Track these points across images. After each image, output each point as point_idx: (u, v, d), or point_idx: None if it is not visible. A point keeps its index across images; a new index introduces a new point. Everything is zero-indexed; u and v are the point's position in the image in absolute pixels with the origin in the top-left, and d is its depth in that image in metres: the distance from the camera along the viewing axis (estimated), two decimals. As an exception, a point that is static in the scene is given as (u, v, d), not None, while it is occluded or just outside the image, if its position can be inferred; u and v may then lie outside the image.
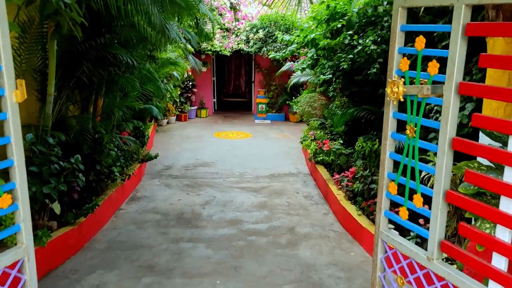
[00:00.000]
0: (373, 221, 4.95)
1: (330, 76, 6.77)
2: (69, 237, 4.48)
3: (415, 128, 2.32)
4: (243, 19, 14.10)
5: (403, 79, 2.37)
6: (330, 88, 7.11)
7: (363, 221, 5.09)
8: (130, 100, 6.34)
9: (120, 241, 5.23)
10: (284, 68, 10.31)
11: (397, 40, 2.40)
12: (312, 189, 7.55)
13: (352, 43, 5.06)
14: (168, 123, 13.55)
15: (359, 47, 4.82)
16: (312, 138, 7.70)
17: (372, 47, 4.61)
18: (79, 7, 4.06)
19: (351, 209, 5.47)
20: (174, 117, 13.72)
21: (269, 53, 8.63)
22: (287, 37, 7.88)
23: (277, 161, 9.62)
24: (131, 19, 4.29)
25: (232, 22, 13.93)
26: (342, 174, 6.38)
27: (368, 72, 4.77)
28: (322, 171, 7.41)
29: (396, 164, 2.51)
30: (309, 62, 7.61)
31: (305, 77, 10.46)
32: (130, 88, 5.51)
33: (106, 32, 4.76)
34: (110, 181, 5.81)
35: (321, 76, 6.76)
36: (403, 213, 2.45)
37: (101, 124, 5.74)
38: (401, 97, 2.35)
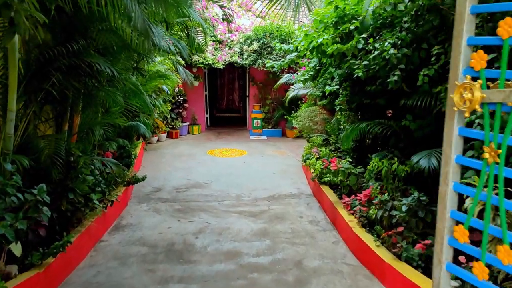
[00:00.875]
0: (396, 254, 4.23)
1: (337, 87, 6.11)
2: (34, 284, 3.70)
3: (499, 151, 1.62)
4: (237, 30, 13.52)
5: (478, 82, 1.67)
6: (337, 101, 6.45)
7: (383, 254, 4.37)
8: (112, 117, 5.62)
9: (99, 283, 4.45)
10: (282, 80, 9.68)
11: (466, 27, 1.71)
12: (317, 213, 6.83)
13: (366, 48, 4.41)
14: (158, 140, 12.82)
15: (375, 52, 4.17)
16: (317, 156, 7.00)
17: (392, 51, 3.96)
18: (45, 6, 3.37)
19: (367, 238, 4.76)
20: (165, 134, 12.99)
21: (265, 63, 7.98)
22: (285, 46, 7.24)
23: (276, 180, 8.91)
24: (108, 20, 3.61)
25: (225, 33, 13.33)
26: (353, 197, 5.68)
27: (387, 80, 4.10)
28: (328, 192, 6.71)
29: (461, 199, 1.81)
30: (311, 73, 6.98)
31: (305, 89, 9.84)
32: (112, 103, 4.80)
33: (80, 37, 4.07)
34: (88, 209, 5.05)
35: (327, 87, 6.11)
36: (480, 271, 1.73)
37: (78, 144, 5.01)
38: (477, 106, 1.66)
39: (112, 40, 4.43)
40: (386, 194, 4.69)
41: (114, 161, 5.15)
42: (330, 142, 7.77)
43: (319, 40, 4.82)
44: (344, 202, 5.79)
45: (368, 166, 5.70)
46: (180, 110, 13.46)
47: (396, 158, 4.81)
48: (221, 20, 13.77)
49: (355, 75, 4.52)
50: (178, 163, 10.35)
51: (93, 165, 5.02)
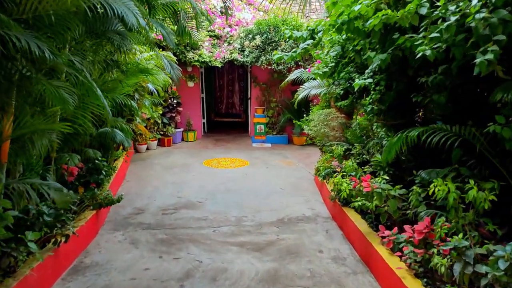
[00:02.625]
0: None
1: (370, 80, 4.62)
2: None
3: None
4: (237, 25, 12.07)
5: None
6: (366, 99, 4.95)
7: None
8: (50, 121, 4.13)
9: None
10: (292, 76, 8.17)
11: None
12: (340, 244, 5.34)
13: (432, 15, 2.94)
14: (147, 149, 11.34)
15: (451, 19, 2.70)
16: (342, 172, 5.47)
17: (481, 15, 2.51)
18: None
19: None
20: (155, 142, 11.52)
21: (273, 55, 6.47)
22: (297, 32, 5.77)
23: (284, 198, 7.43)
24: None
25: (224, 28, 11.87)
26: (396, 229, 4.18)
27: (475, 62, 2.60)
28: (355, 218, 5.22)
29: None
30: (332, 64, 5.50)
31: (317, 89, 8.36)
32: (56, 101, 3.34)
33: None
34: (25, 253, 3.55)
35: (357, 81, 4.62)
36: None
37: (11, 158, 3.53)
38: None
39: (48, 7, 2.97)
40: (461, 235, 3.18)
41: (55, 184, 3.67)
42: (353, 152, 6.27)
43: (357, 7, 3.34)
44: (383, 237, 4.29)
45: (414, 187, 4.20)
46: (173, 115, 11.99)
47: (473, 182, 3.30)
48: (219, 13, 12.35)
49: (417, 55, 3.01)
50: (168, 177, 8.87)
51: (26, 192, 3.53)
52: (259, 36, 11.26)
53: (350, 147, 7.03)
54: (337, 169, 5.50)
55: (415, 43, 3.10)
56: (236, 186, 8.26)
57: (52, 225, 3.95)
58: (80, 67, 3.80)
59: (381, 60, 3.65)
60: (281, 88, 12.37)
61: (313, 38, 5.81)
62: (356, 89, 4.75)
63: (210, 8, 12.25)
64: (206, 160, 10.37)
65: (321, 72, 5.46)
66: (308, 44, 5.76)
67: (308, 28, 5.80)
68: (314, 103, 9.53)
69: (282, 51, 11.15)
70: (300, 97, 8.36)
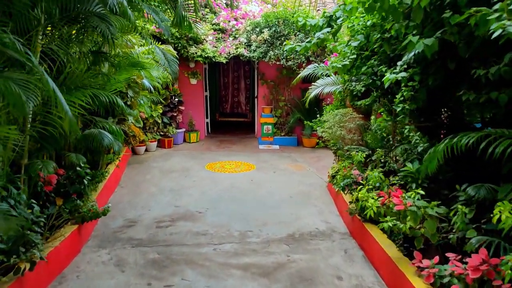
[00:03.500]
0: None
1: (403, 74, 3.82)
2: None
3: None
4: (243, 18, 11.30)
5: None
6: (398, 96, 4.13)
7: None
8: None
9: None
10: (305, 72, 7.32)
11: None
12: (362, 269, 4.56)
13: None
14: (146, 151, 10.62)
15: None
16: (368, 186, 4.62)
17: None
18: None
19: None
20: (155, 143, 10.78)
21: (284, 46, 5.66)
22: (312, 20, 5.00)
23: (294, 208, 6.67)
24: None
25: (229, 21, 11.10)
26: (437, 259, 3.39)
27: None
28: (380, 238, 4.45)
29: None
30: (353, 56, 4.72)
31: (331, 86, 7.58)
32: (10, 97, 2.60)
33: None
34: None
35: (388, 75, 3.83)
36: None
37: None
38: None
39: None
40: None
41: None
42: (375, 159, 5.47)
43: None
44: (419, 267, 3.49)
45: (459, 206, 3.41)
46: (174, 114, 11.24)
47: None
48: (224, 6, 11.59)
49: (496, 33, 2.21)
50: (166, 182, 8.12)
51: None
52: (267, 29, 10.47)
53: (370, 152, 6.24)
54: (358, 179, 4.71)
55: (488, 18, 2.31)
56: (241, 193, 7.50)
57: (11, 251, 3.20)
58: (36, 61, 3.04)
59: (426, 46, 2.86)
60: (291, 86, 11.59)
61: (330, 26, 5.03)
62: (386, 85, 3.94)
63: (215, 0, 11.50)
64: (208, 164, 9.61)
65: (340, 65, 4.67)
66: (325, 33, 4.98)
67: (325, 14, 5.02)
68: (328, 102, 8.74)
69: (302, 29, 10.37)
70: (312, 95, 7.58)
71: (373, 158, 5.67)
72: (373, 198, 4.09)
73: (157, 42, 9.01)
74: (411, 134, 4.01)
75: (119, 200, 7.02)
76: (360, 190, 4.29)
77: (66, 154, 5.17)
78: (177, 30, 10.29)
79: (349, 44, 4.84)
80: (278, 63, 10.53)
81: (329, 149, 8.52)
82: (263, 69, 11.72)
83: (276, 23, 10.50)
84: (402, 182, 4.30)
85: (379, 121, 6.49)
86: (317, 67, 6.84)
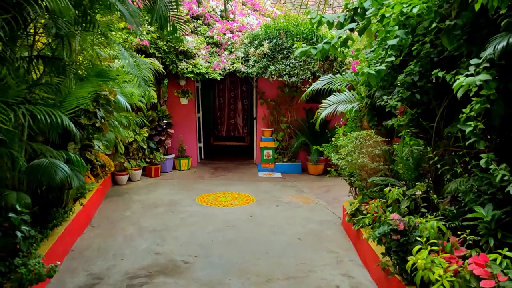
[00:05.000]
0: None
1: (485, 77, 2.60)
2: None
3: None
4: (239, 31, 10.18)
5: None
6: (465, 110, 2.87)
7: None
8: None
9: None
10: (317, 85, 5.91)
11: None
12: None
13: None
14: (130, 180, 9.32)
15: None
16: (429, 246, 3.24)
17: None
18: None
19: None
20: (139, 172, 9.49)
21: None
22: (330, 16, 3.82)
23: (305, 255, 5.41)
24: None
25: (224, 34, 9.97)
26: None
27: None
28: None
29: None
30: (390, 59, 3.51)
31: (345, 104, 6.37)
32: None
33: None
34: None
35: (463, 78, 2.60)
36: None
37: None
38: None
39: None
40: None
41: None
42: (414, 196, 4.19)
43: None
44: None
45: None
46: (163, 138, 9.98)
47: None
48: (219, 17, 10.50)
49: None
50: (148, 220, 6.83)
51: None
52: (267, 41, 9.33)
53: (405, 187, 4.97)
54: (399, 227, 3.44)
55: None
56: (239, 234, 6.21)
57: None
58: None
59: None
60: (296, 104, 10.40)
61: (354, 21, 3.83)
62: (460, 93, 2.71)
63: (208, 11, 10.41)
64: (200, 196, 8.30)
65: (373, 71, 3.46)
66: (348, 31, 3.77)
67: (348, 7, 3.83)
68: (341, 123, 7.48)
69: (295, 59, 9.19)
70: (324, 114, 6.34)
71: (408, 193, 4.40)
72: (440, 265, 2.77)
73: (142, 56, 7.87)
74: (493, 166, 2.78)
75: (86, 245, 5.70)
76: (417, 252, 2.99)
77: (4, 192, 3.88)
78: (164, 42, 9.14)
79: (382, 43, 3.63)
80: (279, 79, 9.34)
81: (339, 177, 7.28)
82: (263, 87, 10.54)
83: (277, 35, 9.37)
84: (476, 238, 2.99)
85: (411, 144, 5.26)
86: (332, 78, 5.59)
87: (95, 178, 5.29)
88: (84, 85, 4.33)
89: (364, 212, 5.24)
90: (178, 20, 5.26)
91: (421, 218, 3.48)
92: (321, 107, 6.78)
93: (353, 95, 6.61)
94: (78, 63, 4.42)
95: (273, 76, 9.31)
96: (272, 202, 7.98)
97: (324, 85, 5.72)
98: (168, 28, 5.11)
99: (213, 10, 10.56)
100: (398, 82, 3.79)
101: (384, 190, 4.34)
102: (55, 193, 4.97)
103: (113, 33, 8.90)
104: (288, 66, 9.19)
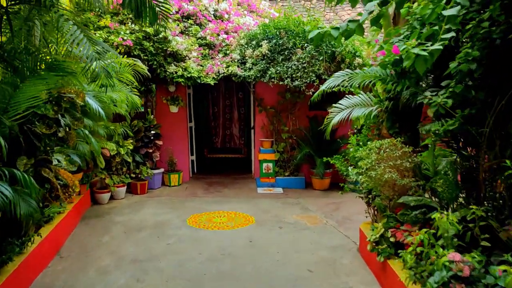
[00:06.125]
0: None
1: None
2: None
3: None
4: (235, 31, 9.25)
5: None
6: None
7: None
8: None
9: None
10: (332, 82, 4.86)
11: None
12: None
13: None
14: (112, 198, 8.29)
15: None
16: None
17: None
18: None
19: None
20: (123, 189, 8.46)
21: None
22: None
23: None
24: None
25: (218, 34, 9.03)
26: None
27: None
28: None
29: None
30: (448, 35, 2.55)
31: (361, 108, 5.42)
32: None
33: None
34: None
35: None
36: None
37: None
38: None
39: None
40: None
41: None
42: (473, 226, 3.19)
43: None
44: None
45: None
46: (150, 150, 8.98)
47: None
48: (212, 17, 9.57)
49: None
50: (129, 247, 5.81)
51: None
52: (265, 42, 8.38)
53: (435, 204, 3.99)
54: (464, 272, 2.45)
55: None
56: (236, 266, 5.20)
57: None
58: None
59: None
60: (297, 113, 9.45)
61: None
62: None
63: (201, 10, 9.48)
64: (192, 216, 7.28)
65: (424, 53, 2.49)
66: (380, 4, 2.81)
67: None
68: (353, 131, 6.49)
69: (298, 61, 8.23)
70: (336, 120, 5.36)
71: (454, 218, 3.39)
72: None
73: (124, 57, 6.92)
74: None
75: (48, 284, 4.68)
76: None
77: None
78: (151, 43, 8.18)
79: (430, 14, 2.65)
80: (280, 83, 8.36)
81: (348, 192, 6.31)
82: (262, 92, 9.58)
83: (277, 34, 8.42)
84: None
85: (438, 154, 4.29)
86: (351, 73, 4.59)
87: (56, 201, 4.26)
88: (35, 82, 3.33)
89: (392, 239, 4.25)
90: (160, 5, 4.29)
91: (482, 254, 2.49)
92: (331, 112, 5.80)
93: (369, 97, 5.66)
94: (32, 52, 3.41)
95: (273, 80, 8.34)
96: (274, 223, 6.96)
97: (341, 82, 4.73)
98: (148, 14, 4.13)
99: (205, 9, 9.63)
100: (452, 71, 2.83)
101: (432, 215, 3.32)
102: (11, 221, 3.94)
103: (92, 31, 7.97)
104: (290, 69, 8.22)
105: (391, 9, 4.58)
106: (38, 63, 3.32)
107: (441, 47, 2.51)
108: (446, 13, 2.51)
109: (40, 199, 4.06)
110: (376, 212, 5.49)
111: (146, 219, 7.12)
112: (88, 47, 3.18)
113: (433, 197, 4.42)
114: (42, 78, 3.32)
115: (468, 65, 2.79)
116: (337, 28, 3.02)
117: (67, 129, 4.34)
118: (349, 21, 3.01)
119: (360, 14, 2.99)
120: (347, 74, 4.69)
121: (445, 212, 3.25)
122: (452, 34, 2.55)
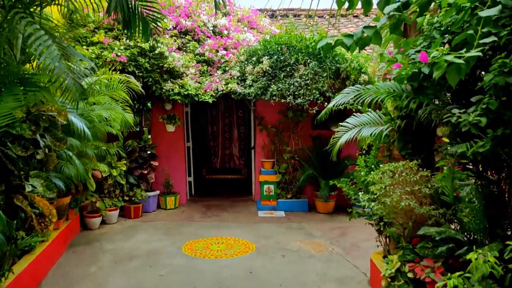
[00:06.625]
0: None
1: None
2: None
3: None
4: (235, 47, 8.90)
5: None
6: None
7: None
8: None
9: None
10: (341, 99, 4.31)
11: None
12: None
13: None
14: (104, 223, 7.81)
15: None
16: None
17: None
18: None
19: None
20: (116, 212, 8.00)
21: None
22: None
23: None
24: None
25: (217, 50, 8.68)
26: None
27: None
28: None
29: None
30: (489, 40, 2.14)
31: (371, 127, 4.99)
32: None
33: None
34: None
35: None
36: None
37: None
38: None
39: None
40: None
41: None
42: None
43: None
44: None
45: None
46: (145, 172, 8.54)
47: None
48: (211, 33, 9.24)
49: None
50: (118, 279, 5.34)
51: None
52: (266, 58, 8.01)
53: (460, 237, 3.53)
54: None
55: None
56: (234, 302, 4.69)
57: None
58: None
59: None
60: (299, 132, 9.04)
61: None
62: None
63: (199, 26, 9.15)
64: (188, 243, 6.79)
65: (460, 60, 2.07)
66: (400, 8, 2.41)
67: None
68: (354, 153, 6.05)
69: (300, 77, 7.84)
70: (343, 140, 4.91)
71: (488, 256, 2.93)
72: None
73: (117, 73, 6.55)
74: None
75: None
76: None
77: None
78: (147, 59, 7.81)
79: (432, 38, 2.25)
80: (282, 101, 7.96)
81: (370, 223, 5.83)
82: (262, 111, 9.18)
83: (279, 49, 8.06)
84: None
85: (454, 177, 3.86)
86: (362, 89, 4.16)
87: (31, 232, 3.80)
88: (6, 98, 2.91)
89: (410, 275, 3.77)
90: (151, 14, 3.90)
91: None
92: (337, 131, 5.36)
93: (379, 116, 5.24)
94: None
95: (274, 97, 7.95)
96: (277, 251, 6.47)
97: (352, 99, 4.30)
98: (137, 24, 3.74)
99: (204, 24, 9.30)
100: (485, 85, 2.41)
101: (468, 256, 2.85)
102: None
103: (83, 47, 7.63)
104: (292, 86, 7.83)
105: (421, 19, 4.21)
106: (9, 77, 2.91)
107: (479, 53, 2.09)
108: (483, 13, 2.10)
109: (13, 230, 3.59)
110: (388, 241, 5.02)
111: (138, 247, 6.63)
112: (57, 56, 2.76)
113: (452, 224, 3.98)
114: (12, 94, 2.91)
115: (504, 78, 2.38)
116: (350, 36, 2.62)
117: (47, 151, 3.91)
118: (365, 27, 2.61)
119: (377, 19, 2.60)
120: (357, 90, 4.27)
121: (479, 251, 2.79)
122: (493, 38, 2.14)
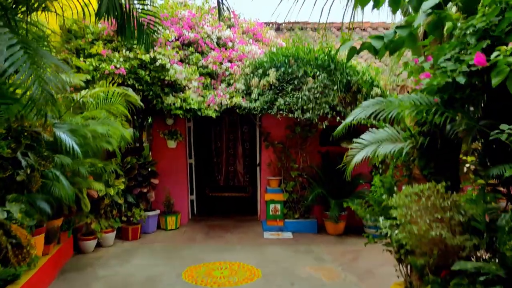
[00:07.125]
0: None
1: None
2: None
3: None
4: (240, 59, 8.50)
5: None
6: None
7: None
8: None
9: None
10: (361, 113, 3.98)
11: None
12: None
13: None
14: (99, 245, 7.33)
15: None
16: None
17: None
18: None
19: None
20: (112, 234, 7.53)
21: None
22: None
23: None
24: None
25: (221, 63, 8.28)
26: None
27: None
28: None
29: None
30: None
31: (390, 144, 4.54)
32: None
33: None
34: None
35: None
36: None
37: None
38: None
39: None
40: None
41: None
42: None
43: None
44: None
45: None
46: (144, 190, 8.08)
47: None
48: (215, 45, 8.85)
49: None
50: (109, 313, 4.81)
51: None
52: (273, 70, 7.60)
53: (501, 272, 3.03)
54: None
55: None
56: None
57: None
58: None
59: None
60: (307, 148, 8.59)
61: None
62: None
63: (202, 37, 8.77)
64: (188, 268, 6.30)
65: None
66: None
67: None
68: (373, 174, 5.58)
69: (309, 91, 7.42)
70: (359, 158, 4.44)
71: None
72: None
73: (114, 85, 6.16)
74: None
75: None
76: None
77: None
78: (147, 72, 7.42)
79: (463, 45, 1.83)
80: (290, 115, 7.52)
81: (386, 249, 5.32)
82: (268, 126, 8.74)
83: (286, 62, 7.65)
84: None
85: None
86: (384, 102, 3.72)
87: (6, 266, 3.34)
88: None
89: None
90: (148, 19, 3.49)
91: None
92: (352, 148, 4.90)
93: (397, 131, 4.79)
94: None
95: (281, 112, 7.51)
96: (285, 278, 5.96)
97: (372, 113, 3.86)
98: (132, 30, 3.32)
99: (208, 36, 8.91)
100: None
101: None
102: None
103: (81, 59, 7.27)
104: (300, 99, 7.39)
105: (421, 29, 3.79)
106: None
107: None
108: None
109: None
110: (410, 272, 4.51)
111: (134, 273, 6.14)
112: (24, 61, 2.33)
113: (486, 254, 3.50)
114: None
115: None
116: (380, 38, 2.20)
117: (29, 171, 3.48)
118: (397, 27, 2.19)
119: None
120: (377, 104, 3.82)
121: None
122: None
